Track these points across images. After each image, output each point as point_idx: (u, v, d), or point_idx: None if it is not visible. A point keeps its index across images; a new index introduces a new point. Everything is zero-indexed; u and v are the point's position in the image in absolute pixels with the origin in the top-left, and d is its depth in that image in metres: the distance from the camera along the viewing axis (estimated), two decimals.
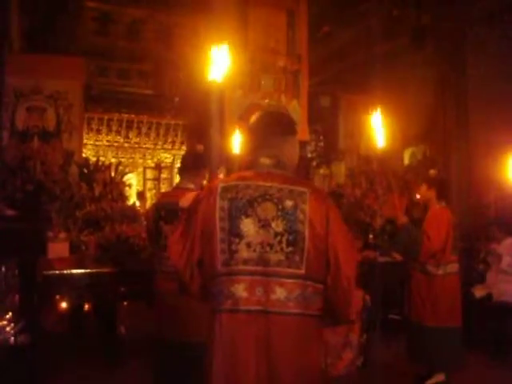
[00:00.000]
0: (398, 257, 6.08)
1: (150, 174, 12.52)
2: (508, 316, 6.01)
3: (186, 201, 2.71)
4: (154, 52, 9.97)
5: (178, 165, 11.50)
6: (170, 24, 8.87)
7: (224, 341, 1.86)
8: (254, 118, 2.11)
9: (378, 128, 4.34)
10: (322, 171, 8.54)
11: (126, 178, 8.18)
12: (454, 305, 4.86)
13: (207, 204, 1.95)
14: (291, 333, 1.87)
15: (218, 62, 2.08)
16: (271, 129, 2.06)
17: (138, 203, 9.89)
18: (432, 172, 7.49)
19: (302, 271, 1.88)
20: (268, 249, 1.88)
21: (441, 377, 4.86)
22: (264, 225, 1.89)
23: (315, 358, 1.95)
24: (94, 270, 5.04)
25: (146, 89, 11.14)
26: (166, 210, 3.21)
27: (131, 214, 5.87)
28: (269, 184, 1.94)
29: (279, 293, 1.86)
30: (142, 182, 12.46)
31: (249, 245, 1.88)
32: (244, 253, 1.87)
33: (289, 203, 1.91)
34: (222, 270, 1.89)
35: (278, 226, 1.89)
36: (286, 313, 1.86)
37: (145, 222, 3.94)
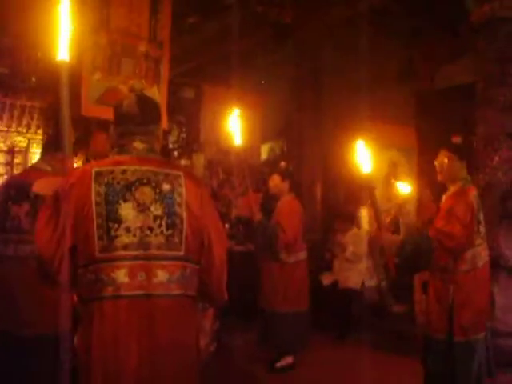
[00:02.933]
0: (251, 247, 6.30)
1: (1, 158, 11.71)
2: (351, 301, 6.50)
3: (43, 186, 2.52)
4: (11, 27, 9.29)
5: (33, 149, 10.96)
6: None
7: (105, 329, 1.80)
8: (125, 102, 2.07)
9: (236, 124, 4.45)
10: (183, 162, 8.60)
11: None
12: (302, 290, 5.14)
13: (80, 189, 1.88)
14: (174, 314, 1.89)
15: (65, 39, 2.01)
16: (144, 114, 2.06)
17: None
18: (282, 164, 7.88)
19: (182, 253, 1.92)
20: (148, 232, 1.88)
21: (289, 359, 5.11)
22: (143, 209, 1.89)
23: (194, 337, 1.99)
24: None
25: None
26: (16, 190, 3.03)
27: None
28: (145, 168, 1.95)
29: (161, 275, 1.87)
30: None
31: (128, 229, 1.86)
32: (124, 238, 1.85)
33: (166, 186, 1.94)
34: (100, 257, 1.84)
35: (157, 209, 1.90)
36: (168, 295, 1.88)
37: None
